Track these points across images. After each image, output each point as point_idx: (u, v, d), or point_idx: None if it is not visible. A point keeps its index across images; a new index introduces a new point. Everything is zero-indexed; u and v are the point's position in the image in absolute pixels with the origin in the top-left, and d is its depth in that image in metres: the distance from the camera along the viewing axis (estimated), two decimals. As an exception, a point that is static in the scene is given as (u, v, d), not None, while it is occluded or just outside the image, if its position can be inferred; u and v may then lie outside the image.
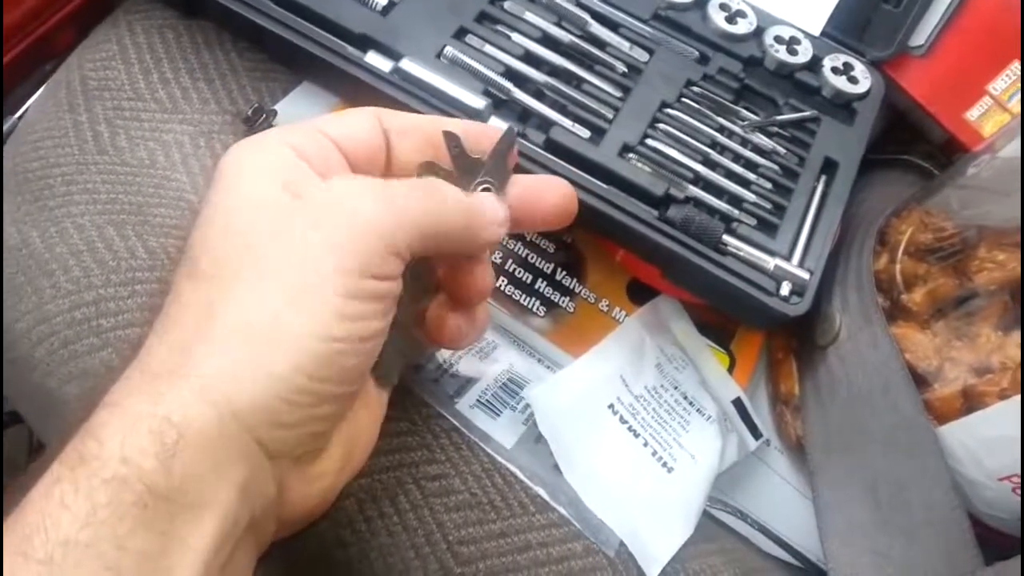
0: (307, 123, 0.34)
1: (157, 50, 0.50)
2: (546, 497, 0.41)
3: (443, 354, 0.45)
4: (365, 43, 0.49)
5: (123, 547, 0.24)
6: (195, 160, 0.47)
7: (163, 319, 0.30)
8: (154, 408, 0.27)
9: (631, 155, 0.48)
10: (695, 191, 0.47)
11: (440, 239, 0.33)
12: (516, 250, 0.49)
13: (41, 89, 0.50)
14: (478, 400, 0.43)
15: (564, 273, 0.49)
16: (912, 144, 0.58)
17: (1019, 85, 0.55)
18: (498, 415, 0.43)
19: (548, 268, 0.49)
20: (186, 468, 0.26)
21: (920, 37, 0.56)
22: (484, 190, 0.36)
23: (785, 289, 0.45)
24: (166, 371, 0.28)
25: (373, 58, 0.48)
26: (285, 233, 0.30)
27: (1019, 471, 0.40)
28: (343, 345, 0.29)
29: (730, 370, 0.49)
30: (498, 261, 0.48)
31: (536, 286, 0.49)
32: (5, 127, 0.52)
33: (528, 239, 0.50)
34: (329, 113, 0.50)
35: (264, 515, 0.30)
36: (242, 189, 0.31)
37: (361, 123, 0.36)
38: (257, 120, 0.48)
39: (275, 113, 0.49)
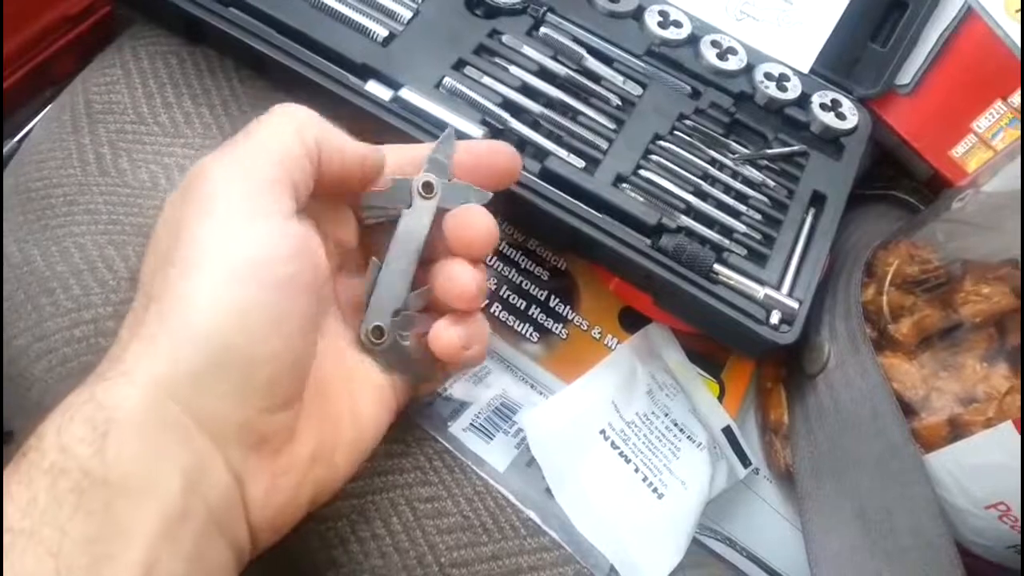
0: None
1: (160, 75, 0.51)
2: (538, 521, 0.41)
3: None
4: (366, 72, 0.50)
5: (64, 531, 0.25)
6: (195, 183, 0.48)
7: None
8: (88, 397, 0.28)
9: (625, 185, 0.49)
10: (687, 221, 0.48)
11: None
12: (510, 276, 0.50)
13: (46, 110, 0.50)
14: (471, 424, 0.44)
15: (557, 300, 0.50)
16: (898, 180, 0.59)
17: (1002, 123, 0.56)
18: (491, 439, 0.44)
19: (541, 295, 0.50)
20: (121, 451, 0.27)
21: (906, 76, 0.57)
22: (425, 183, 0.39)
23: (775, 318, 0.46)
24: (106, 367, 0.29)
25: (373, 87, 0.49)
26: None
27: (1005, 499, 0.41)
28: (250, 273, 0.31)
29: (720, 399, 0.50)
30: (492, 287, 0.49)
31: (529, 312, 0.49)
32: (5, 150, 0.53)
33: (522, 266, 0.50)
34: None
35: (227, 510, 0.29)
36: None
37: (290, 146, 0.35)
38: (257, 145, 0.49)
39: (275, 139, 0.50)
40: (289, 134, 0.35)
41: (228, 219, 0.31)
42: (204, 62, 0.52)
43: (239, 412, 0.30)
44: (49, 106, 0.51)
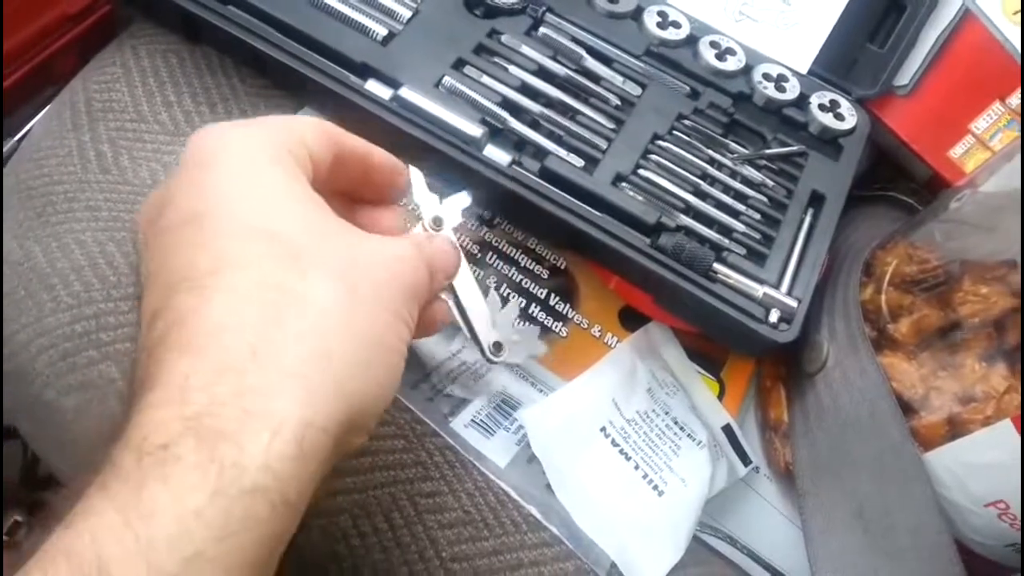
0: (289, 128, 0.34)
1: (160, 74, 0.51)
2: (538, 516, 0.41)
3: (438, 374, 0.45)
4: (365, 71, 0.50)
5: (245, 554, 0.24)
6: (196, 181, 0.48)
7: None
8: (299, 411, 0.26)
9: (624, 184, 0.49)
10: (686, 220, 0.49)
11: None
12: (510, 275, 0.50)
13: (46, 108, 0.50)
14: (472, 420, 0.44)
15: (557, 299, 0.50)
16: (897, 181, 0.59)
17: (1000, 124, 0.56)
18: (492, 435, 0.44)
19: (542, 293, 0.50)
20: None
21: (904, 77, 0.57)
22: (435, 218, 0.41)
23: (774, 316, 0.46)
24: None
25: (373, 86, 0.49)
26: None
27: (1004, 497, 0.41)
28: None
29: (720, 397, 0.50)
30: (492, 286, 0.49)
31: (530, 311, 0.49)
32: (5, 149, 0.53)
33: (522, 265, 0.50)
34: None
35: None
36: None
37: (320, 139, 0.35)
38: (258, 144, 0.49)
39: (275, 137, 0.50)
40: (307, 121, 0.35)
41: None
42: (204, 60, 0.52)
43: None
44: (49, 104, 0.51)
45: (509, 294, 0.49)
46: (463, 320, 0.43)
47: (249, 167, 0.31)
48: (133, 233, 0.44)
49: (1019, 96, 0.56)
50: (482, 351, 0.43)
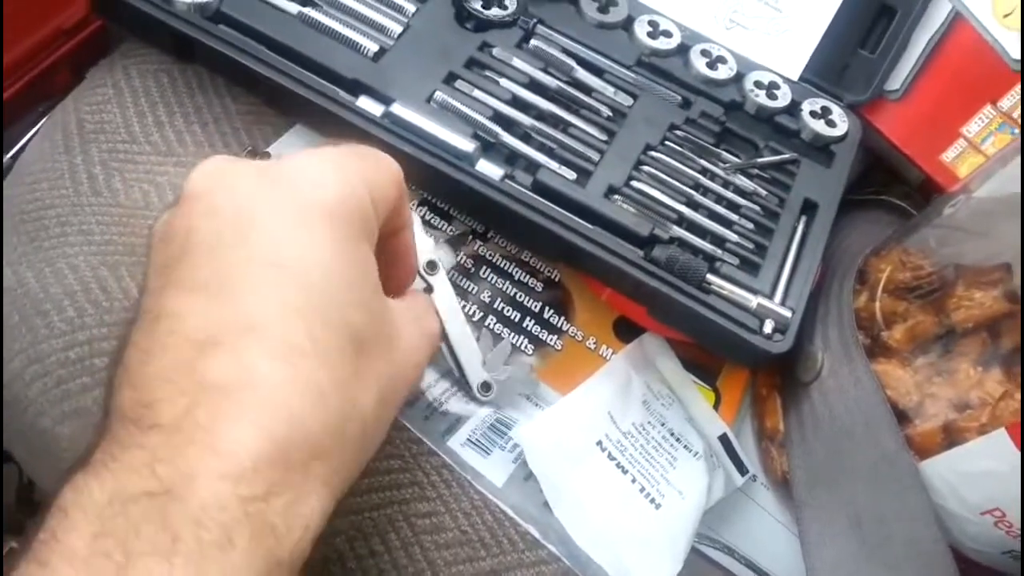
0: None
1: (152, 94, 0.51)
2: (536, 535, 0.41)
3: (432, 392, 0.45)
4: (357, 88, 0.50)
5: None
6: (188, 201, 0.48)
7: None
8: None
9: (616, 196, 0.49)
10: (679, 231, 0.49)
11: None
12: (504, 288, 0.50)
13: (38, 130, 0.50)
14: (468, 439, 0.44)
15: (552, 311, 0.50)
16: (890, 185, 0.59)
17: (992, 128, 0.56)
18: (488, 453, 0.44)
19: (536, 306, 0.50)
20: None
21: (896, 81, 0.57)
22: (430, 262, 0.43)
23: (768, 327, 0.46)
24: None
25: (364, 102, 0.49)
26: None
27: (1001, 506, 0.41)
28: None
29: (716, 406, 0.50)
30: (487, 300, 0.49)
31: (524, 324, 0.49)
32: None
33: (516, 278, 0.50)
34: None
35: None
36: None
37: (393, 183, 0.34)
38: (250, 162, 0.49)
39: (268, 155, 0.50)
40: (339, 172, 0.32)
41: None
42: (196, 79, 0.52)
43: None
44: (40, 124, 0.51)
45: (503, 308, 0.49)
46: (452, 361, 0.45)
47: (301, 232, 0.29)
48: (126, 257, 0.44)
49: (1010, 99, 0.56)
50: (470, 391, 0.45)
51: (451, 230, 0.51)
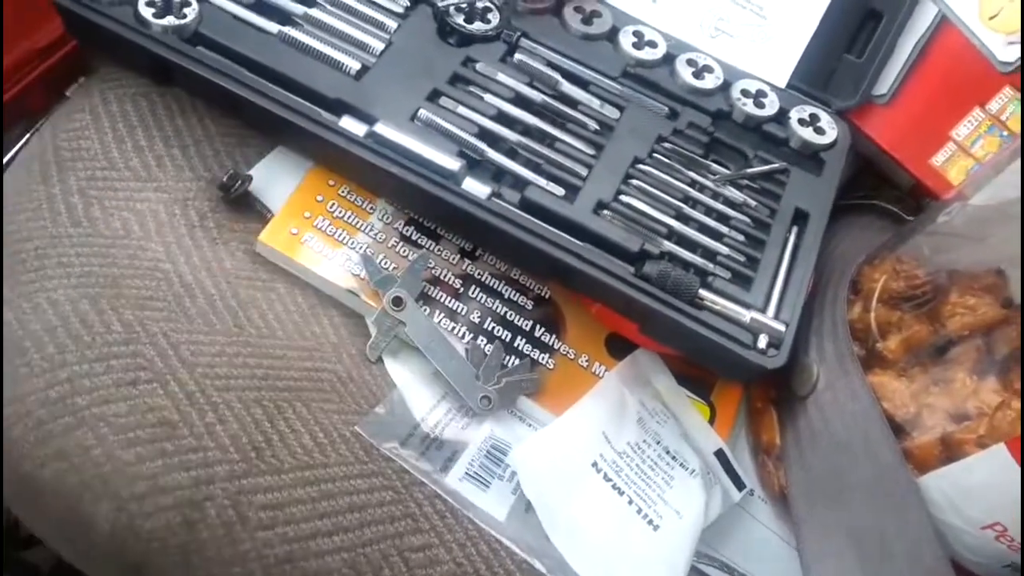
0: None
1: (130, 118, 0.50)
2: (532, 562, 0.40)
3: (427, 424, 0.45)
4: (339, 108, 0.49)
5: None
6: (170, 229, 0.47)
7: None
8: None
9: (605, 212, 0.49)
10: (669, 246, 0.48)
11: None
12: (494, 308, 0.49)
13: (13, 153, 0.49)
14: (467, 472, 0.43)
15: (543, 329, 0.50)
16: (880, 189, 0.59)
17: (981, 131, 0.56)
18: (487, 486, 0.43)
19: (527, 325, 0.49)
20: None
21: (883, 86, 0.57)
22: (395, 299, 0.46)
23: (762, 342, 0.45)
24: None
25: (348, 123, 0.49)
26: None
27: (1001, 520, 0.40)
28: None
29: (711, 421, 0.49)
30: (476, 320, 0.48)
31: (515, 344, 0.49)
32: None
33: (506, 296, 0.50)
34: (301, 178, 0.50)
35: None
36: None
37: None
38: (233, 186, 0.48)
39: (250, 178, 0.49)
40: None
41: None
42: (175, 103, 0.51)
43: None
44: (16, 151, 0.49)
45: (493, 328, 0.48)
46: (446, 385, 0.46)
47: None
48: (107, 289, 0.43)
49: (999, 101, 0.56)
50: (471, 410, 0.46)
51: (438, 250, 0.50)
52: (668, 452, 0.47)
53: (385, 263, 0.49)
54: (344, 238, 0.49)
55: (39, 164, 0.47)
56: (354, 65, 0.50)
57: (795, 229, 0.51)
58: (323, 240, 0.49)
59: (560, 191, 0.49)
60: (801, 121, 0.54)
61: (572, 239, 0.47)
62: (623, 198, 0.49)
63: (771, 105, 0.55)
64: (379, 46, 0.52)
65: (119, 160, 0.48)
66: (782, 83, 0.56)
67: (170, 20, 0.49)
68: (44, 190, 0.46)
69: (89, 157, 0.48)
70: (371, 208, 0.51)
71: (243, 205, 0.50)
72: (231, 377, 0.42)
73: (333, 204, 0.50)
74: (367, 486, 0.41)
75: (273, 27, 0.51)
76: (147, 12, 0.49)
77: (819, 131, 0.54)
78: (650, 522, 0.44)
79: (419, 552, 0.39)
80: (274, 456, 0.40)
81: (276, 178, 0.51)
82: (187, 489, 0.38)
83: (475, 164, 0.49)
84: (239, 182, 0.49)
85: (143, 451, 0.39)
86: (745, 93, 0.55)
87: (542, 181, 0.49)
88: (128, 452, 0.39)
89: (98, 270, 0.44)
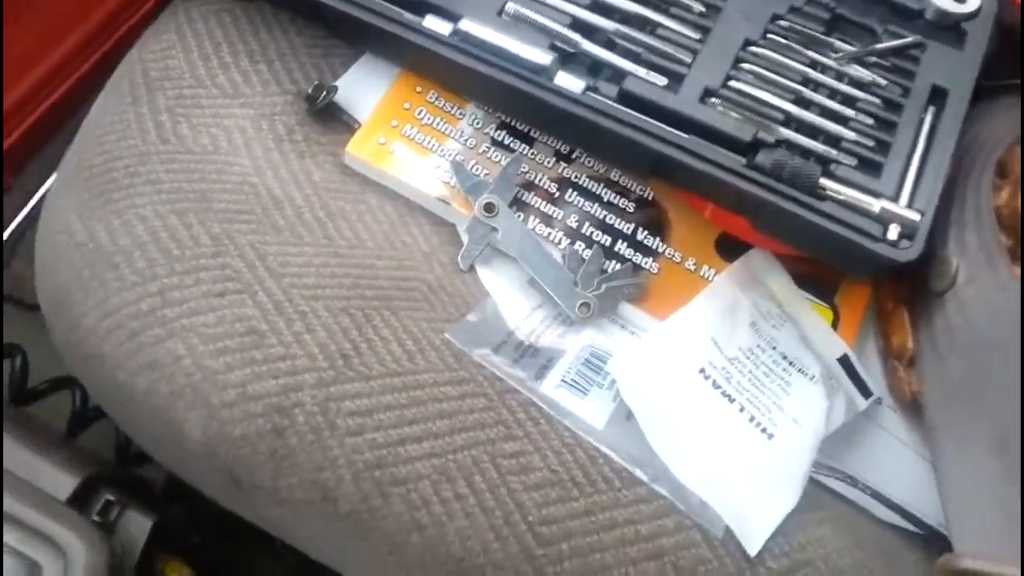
0: None
1: (216, 35, 0.49)
2: (633, 470, 0.38)
3: (521, 332, 0.42)
4: (422, 7, 0.46)
5: None
6: (257, 143, 0.46)
7: None
8: None
9: (714, 100, 0.45)
10: (787, 133, 0.44)
11: None
12: (592, 211, 0.46)
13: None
14: (563, 380, 0.41)
15: (646, 232, 0.46)
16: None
17: None
18: (585, 394, 0.41)
19: (628, 228, 0.46)
20: None
21: (1035, -56, 0.49)
22: (487, 204, 0.44)
23: (893, 233, 0.41)
24: None
25: (432, 22, 0.46)
26: None
27: None
28: None
29: (834, 325, 0.45)
30: (573, 225, 0.46)
31: (616, 248, 0.45)
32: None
33: (605, 200, 0.47)
34: (388, 86, 0.48)
35: None
36: None
37: None
38: (318, 97, 0.47)
39: (336, 89, 0.48)
40: None
41: None
42: (259, 16, 0.50)
43: None
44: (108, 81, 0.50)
45: (592, 232, 0.45)
46: (543, 294, 0.44)
47: None
48: (194, 204, 0.42)
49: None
50: (569, 318, 0.43)
51: (532, 153, 0.47)
52: (785, 357, 0.43)
53: (476, 169, 0.46)
54: (433, 146, 0.47)
55: (128, 85, 0.47)
56: (436, -40, 0.48)
57: (932, 109, 0.45)
58: (412, 148, 0.47)
59: (662, 80, 0.45)
60: (938, -12, 0.48)
61: (676, 132, 0.43)
62: (733, 84, 0.45)
63: (902, -28, 0.49)
64: (462, -62, 0.49)
65: (205, 77, 0.48)
66: (915, -53, 0.50)
67: (249, -71, 0.48)
68: (133, 110, 0.46)
69: (176, 76, 0.47)
70: (460, 113, 0.48)
71: (330, 117, 0.48)
72: (319, 287, 0.41)
73: (421, 111, 0.48)
74: (458, 393, 0.39)
75: (353, -72, 0.49)
76: (226, -77, 0.48)
77: (959, -1, 0.48)
78: (763, 430, 0.40)
79: (512, 459, 0.37)
80: (362, 363, 0.39)
81: (363, 87, 0.49)
82: (275, 396, 0.38)
83: (569, 58, 0.46)
84: (324, 93, 0.47)
85: (232, 360, 0.38)
86: (872, -40, 0.49)
87: (642, 71, 0.45)
88: (217, 361, 0.38)
89: (187, 185, 0.43)
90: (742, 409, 0.41)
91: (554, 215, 0.46)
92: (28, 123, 0.51)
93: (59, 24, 0.51)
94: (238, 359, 0.38)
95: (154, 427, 0.40)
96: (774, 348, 0.43)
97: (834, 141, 0.44)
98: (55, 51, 0.52)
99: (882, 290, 0.46)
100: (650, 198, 0.47)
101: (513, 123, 0.48)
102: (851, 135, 0.44)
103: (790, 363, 0.43)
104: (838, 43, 0.47)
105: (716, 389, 0.41)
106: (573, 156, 0.48)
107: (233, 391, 0.38)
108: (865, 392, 0.43)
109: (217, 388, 0.38)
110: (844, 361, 0.43)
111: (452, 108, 0.48)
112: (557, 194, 0.47)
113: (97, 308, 0.40)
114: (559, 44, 0.46)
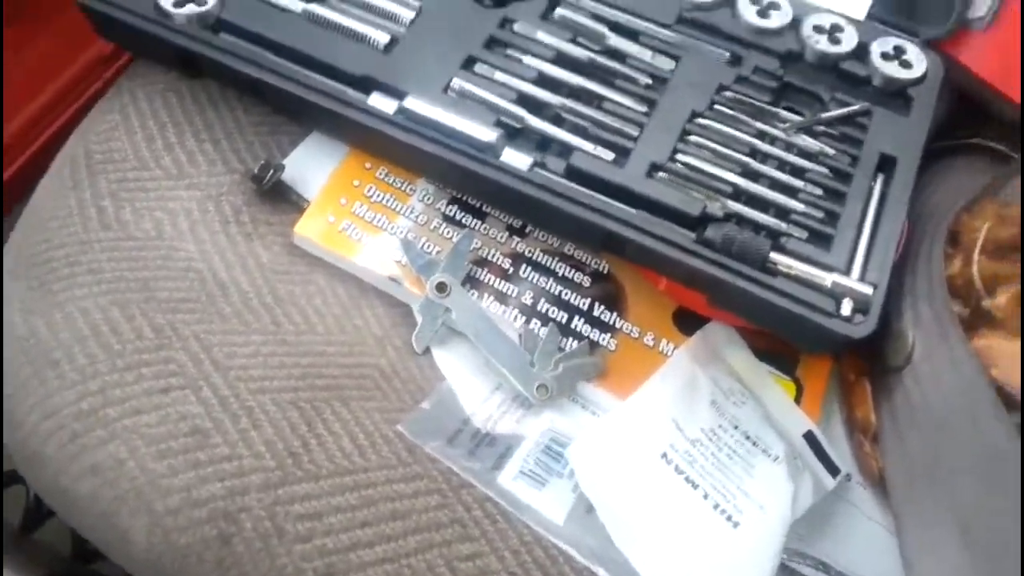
0: None
1: (160, 115, 0.48)
2: (595, 569, 0.37)
3: (478, 419, 0.41)
4: (368, 85, 0.46)
5: None
6: (203, 226, 0.45)
7: None
8: None
9: (661, 174, 0.44)
10: (736, 207, 0.43)
11: None
12: (547, 287, 0.45)
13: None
14: (520, 471, 0.40)
15: (602, 308, 0.46)
16: (980, 127, 0.52)
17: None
18: (543, 485, 0.40)
19: (584, 303, 0.45)
20: None
21: (981, 7, 0.50)
22: (439, 284, 0.43)
23: (846, 308, 0.40)
24: None
25: (376, 100, 0.46)
26: None
27: None
28: None
29: (797, 400, 0.44)
30: (528, 303, 0.45)
31: (572, 325, 0.45)
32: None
33: (560, 274, 0.46)
34: (337, 163, 0.47)
35: None
36: None
37: None
38: (265, 176, 0.46)
39: (283, 167, 0.47)
40: None
41: None
42: (205, 95, 0.49)
43: None
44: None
45: (548, 309, 0.45)
46: (499, 375, 0.43)
47: None
48: (137, 294, 0.41)
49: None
50: (527, 401, 0.43)
51: (484, 228, 0.47)
52: (748, 437, 0.43)
53: (428, 247, 0.46)
54: (384, 223, 0.46)
55: (70, 169, 0.46)
56: (382, 38, 0.47)
57: (881, 177, 0.45)
58: (362, 227, 0.46)
59: (609, 155, 0.45)
60: (884, 55, 0.48)
61: (624, 207, 0.43)
62: (680, 157, 0.45)
63: (848, 40, 0.49)
64: (409, 15, 0.48)
65: (150, 159, 0.47)
66: (860, 15, 0.50)
67: (191, 8, 0.47)
68: (75, 195, 0.45)
69: (120, 159, 0.46)
70: (411, 189, 0.48)
71: (278, 196, 0.47)
72: (266, 379, 0.40)
73: (371, 188, 0.47)
74: (411, 490, 0.38)
75: (298, 5, 0.48)
76: (167, 3, 0.47)
77: (905, 65, 0.48)
78: (729, 518, 0.40)
79: (468, 561, 0.36)
80: (311, 461, 0.38)
81: (311, 165, 0.48)
82: (221, 500, 0.36)
83: (516, 134, 0.46)
84: (271, 171, 0.46)
85: (176, 462, 0.37)
86: (818, 29, 0.49)
87: (588, 146, 0.45)
88: (161, 464, 0.37)
89: (129, 274, 0.42)
90: (706, 496, 0.40)
91: (508, 292, 0.45)
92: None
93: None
94: (182, 461, 0.37)
95: (100, 532, 0.38)
96: (736, 427, 0.43)
97: (784, 213, 0.44)
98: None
99: (844, 361, 0.45)
100: (606, 271, 0.47)
101: (465, 198, 0.48)
102: (800, 207, 0.44)
103: (753, 443, 0.42)
104: (785, 113, 0.47)
105: (679, 475, 0.40)
106: (526, 230, 0.47)
107: (177, 496, 0.36)
108: (833, 470, 0.42)
109: (161, 493, 0.37)
110: (809, 437, 0.42)
111: (402, 184, 0.48)
112: (511, 270, 0.46)
113: (38, 407, 0.39)
114: (505, 120, 0.46)
